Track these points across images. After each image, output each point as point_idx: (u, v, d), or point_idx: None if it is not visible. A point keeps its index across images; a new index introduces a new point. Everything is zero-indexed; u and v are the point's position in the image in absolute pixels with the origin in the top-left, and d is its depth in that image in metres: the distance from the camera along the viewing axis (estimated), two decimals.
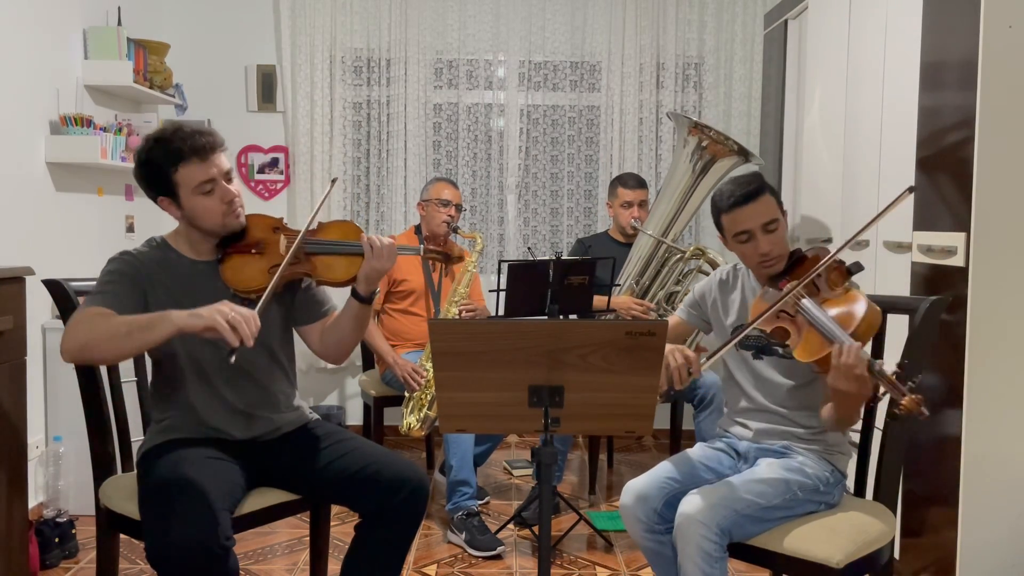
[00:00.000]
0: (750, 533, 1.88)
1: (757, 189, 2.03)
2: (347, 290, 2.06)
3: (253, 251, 2.02)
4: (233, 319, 1.72)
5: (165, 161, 1.94)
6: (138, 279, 1.95)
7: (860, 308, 1.85)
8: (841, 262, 1.98)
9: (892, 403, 1.71)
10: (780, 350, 2.07)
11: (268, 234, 2.05)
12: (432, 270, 3.55)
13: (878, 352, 2.10)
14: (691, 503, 1.86)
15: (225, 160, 2.00)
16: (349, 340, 2.11)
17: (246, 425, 2.06)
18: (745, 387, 2.14)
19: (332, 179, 2.56)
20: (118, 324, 1.81)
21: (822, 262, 1.95)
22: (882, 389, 1.73)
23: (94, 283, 2.13)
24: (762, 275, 2.09)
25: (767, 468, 1.98)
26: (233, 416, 2.05)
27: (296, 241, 1.98)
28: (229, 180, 2.00)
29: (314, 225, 2.06)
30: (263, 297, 1.88)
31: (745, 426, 2.15)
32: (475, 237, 3.49)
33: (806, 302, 1.91)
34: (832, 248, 2.02)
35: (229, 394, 2.04)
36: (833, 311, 1.88)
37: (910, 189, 1.95)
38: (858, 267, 1.97)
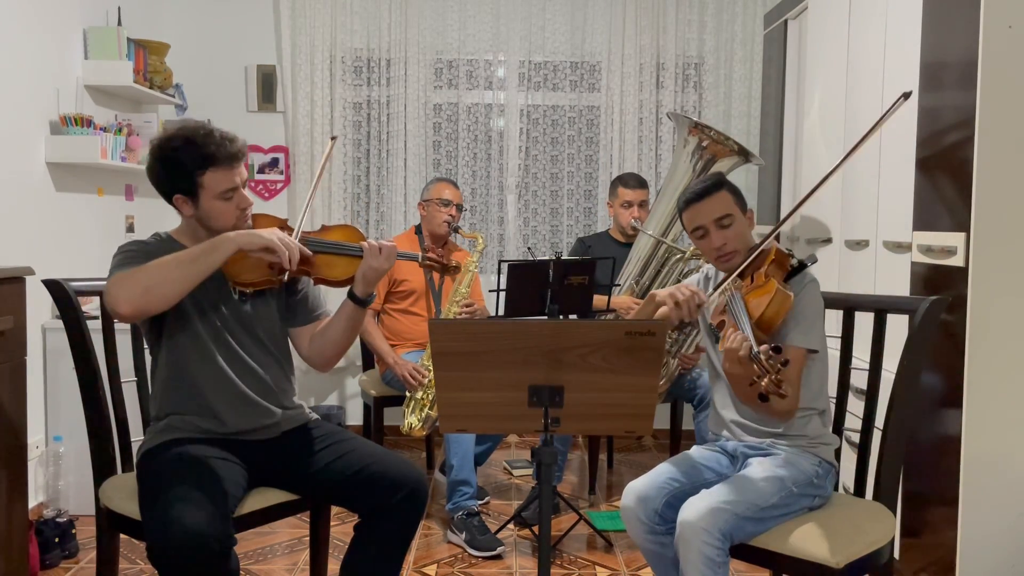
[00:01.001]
0: (750, 534, 1.88)
1: (711, 186, 2.11)
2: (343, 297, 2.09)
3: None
4: (288, 243, 1.89)
5: (194, 163, 1.95)
6: (152, 258, 1.96)
7: (765, 299, 1.92)
8: (788, 254, 2.03)
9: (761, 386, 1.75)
10: None
11: None
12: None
13: (878, 352, 2.12)
14: (692, 509, 1.85)
15: (244, 168, 2.04)
16: (338, 344, 2.13)
17: (247, 412, 2.06)
18: (723, 377, 2.16)
19: (332, 136, 2.63)
20: (178, 256, 1.85)
21: (753, 254, 2.01)
22: (756, 369, 1.75)
23: (95, 282, 2.14)
24: (721, 270, 2.16)
25: (760, 468, 1.99)
26: (235, 400, 2.04)
27: (295, 234, 2.01)
28: (245, 187, 2.04)
29: (315, 227, 2.12)
30: (297, 231, 2.00)
31: (727, 425, 2.15)
32: (476, 237, 3.49)
33: (736, 294, 1.97)
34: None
35: (233, 374, 2.04)
36: (750, 302, 1.94)
37: (905, 96, 1.98)
38: (812, 259, 2.03)
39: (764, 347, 1.72)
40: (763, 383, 1.68)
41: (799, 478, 1.96)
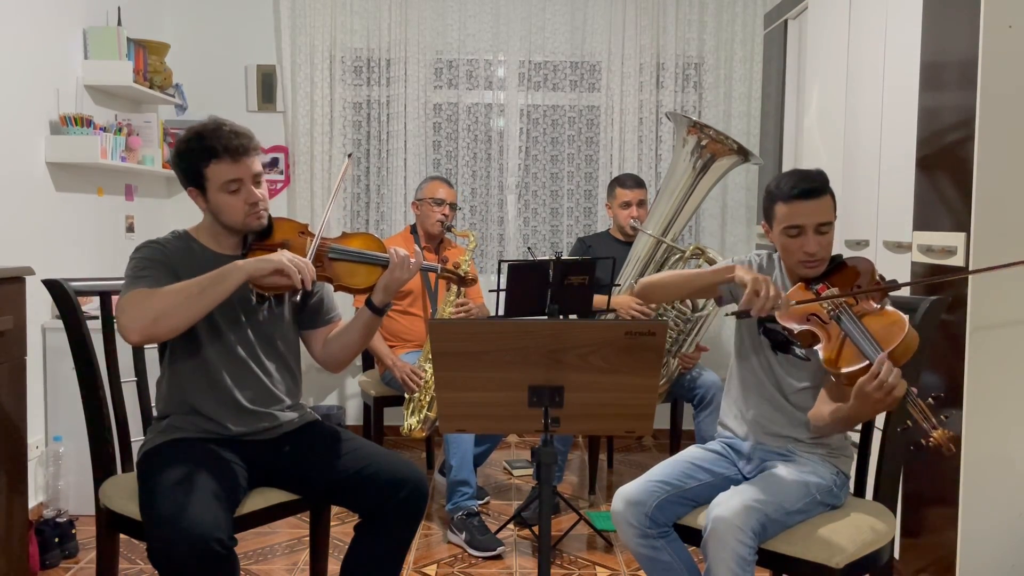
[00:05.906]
0: (770, 536, 1.87)
1: (822, 187, 1.98)
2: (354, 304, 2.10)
3: (278, 249, 2.06)
4: (298, 263, 1.89)
5: (199, 156, 1.98)
6: (168, 263, 1.98)
7: (901, 330, 1.80)
8: (880, 278, 1.95)
9: (918, 432, 1.69)
10: (798, 351, 2.04)
11: (295, 236, 2.10)
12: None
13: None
14: (725, 506, 1.82)
15: (257, 163, 2.03)
16: (352, 348, 2.15)
17: (248, 420, 2.06)
18: (759, 374, 2.12)
19: (348, 154, 2.67)
20: (186, 286, 1.86)
21: (876, 290, 1.90)
22: (913, 414, 1.70)
23: (95, 282, 2.14)
24: (799, 274, 2.04)
25: (787, 471, 1.97)
26: (235, 410, 2.05)
27: (315, 241, 2.04)
28: (258, 183, 2.03)
29: (333, 234, 2.16)
30: (312, 249, 2.00)
31: (748, 424, 2.12)
32: (467, 235, 3.48)
33: (845, 313, 1.88)
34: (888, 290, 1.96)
35: (234, 385, 2.04)
36: (872, 327, 1.84)
37: None
38: (894, 285, 1.95)
39: (914, 389, 1.69)
40: (934, 435, 1.63)
41: (821, 484, 1.96)
